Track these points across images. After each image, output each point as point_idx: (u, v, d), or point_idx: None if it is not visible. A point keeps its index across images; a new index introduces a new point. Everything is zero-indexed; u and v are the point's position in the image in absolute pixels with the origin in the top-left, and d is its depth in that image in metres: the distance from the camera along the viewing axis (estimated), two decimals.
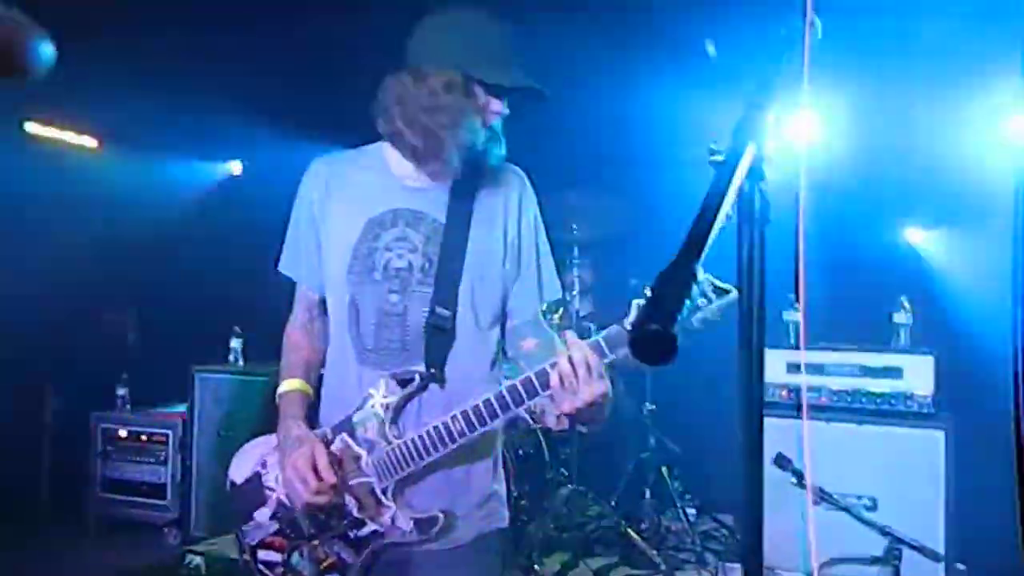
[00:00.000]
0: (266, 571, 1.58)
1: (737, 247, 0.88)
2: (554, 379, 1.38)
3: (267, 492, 1.57)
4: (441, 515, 1.50)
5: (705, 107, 4.11)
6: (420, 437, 1.47)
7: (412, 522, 1.49)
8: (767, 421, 3.40)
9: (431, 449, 1.46)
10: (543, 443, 3.62)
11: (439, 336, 1.53)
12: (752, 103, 0.75)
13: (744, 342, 0.82)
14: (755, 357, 0.83)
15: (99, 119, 4.89)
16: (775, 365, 3.59)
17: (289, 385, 1.63)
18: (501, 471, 1.66)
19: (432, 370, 1.53)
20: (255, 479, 1.59)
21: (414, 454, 1.47)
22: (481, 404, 1.44)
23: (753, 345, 0.83)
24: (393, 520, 1.49)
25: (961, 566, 3.30)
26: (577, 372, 1.36)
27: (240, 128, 4.80)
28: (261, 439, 1.62)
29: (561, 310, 3.91)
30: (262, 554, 1.58)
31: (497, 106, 1.54)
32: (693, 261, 0.66)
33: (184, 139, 5.10)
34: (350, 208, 1.59)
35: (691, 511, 3.92)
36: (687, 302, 1.37)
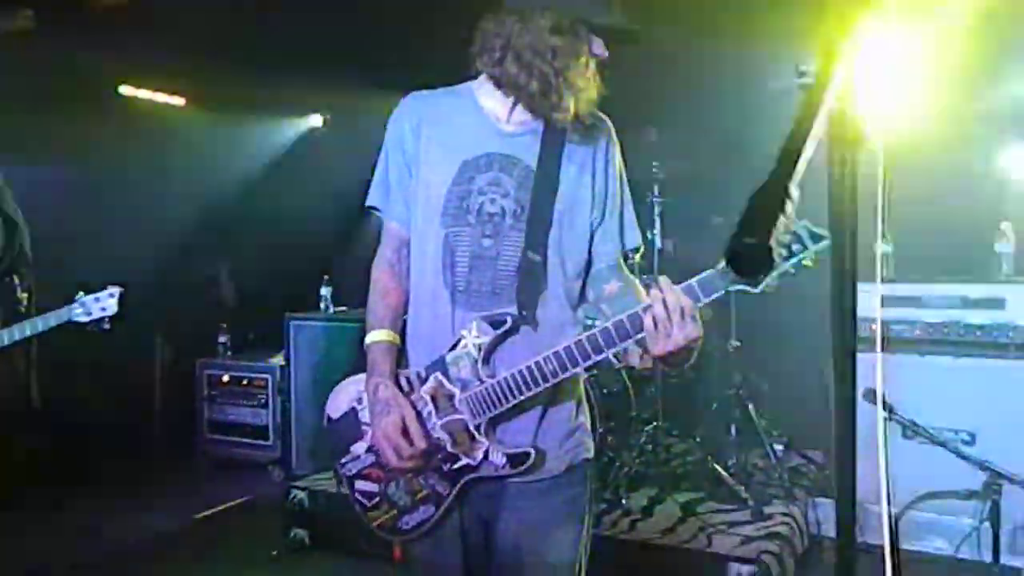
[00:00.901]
0: (363, 500, 1.65)
1: (828, 173, 0.87)
2: (647, 321, 1.40)
3: (363, 426, 1.63)
4: (532, 450, 1.54)
5: (791, 35, 3.96)
6: (513, 376, 1.50)
7: (505, 457, 1.54)
8: (860, 356, 3.32)
9: (524, 388, 1.50)
10: (627, 381, 3.65)
11: (529, 280, 1.56)
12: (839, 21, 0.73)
13: (836, 272, 0.81)
14: (848, 288, 0.82)
15: (186, 79, 5.06)
16: (865, 299, 3.49)
17: (377, 336, 1.63)
18: (585, 405, 1.70)
19: (524, 312, 1.56)
20: (351, 414, 1.65)
21: (507, 392, 1.51)
22: (573, 345, 1.47)
23: (845, 275, 0.81)
24: (486, 455, 1.54)
25: None
26: (671, 316, 1.38)
27: (320, 81, 4.89)
28: (356, 377, 1.67)
29: (642, 248, 3.89)
30: (359, 484, 1.65)
31: (599, 48, 1.54)
32: (787, 178, 0.65)
33: (266, 94, 5.23)
34: (445, 148, 1.61)
35: (778, 447, 3.90)
36: (785, 240, 1.38)
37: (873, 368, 3.30)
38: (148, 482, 4.60)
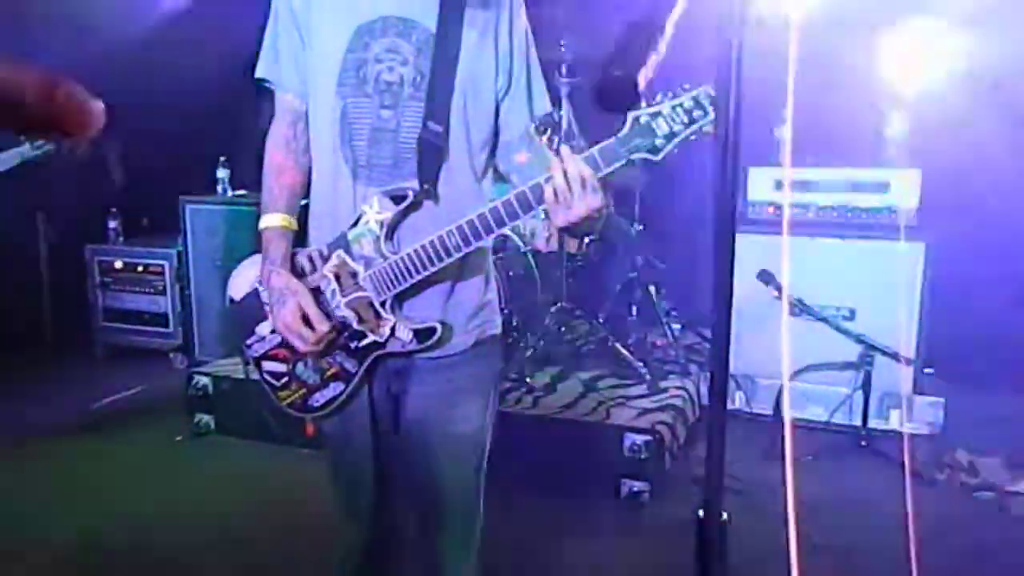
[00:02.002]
0: (272, 380, 1.64)
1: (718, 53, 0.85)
2: (548, 192, 1.39)
3: (267, 307, 1.60)
4: (439, 325, 1.54)
5: None
6: (416, 251, 1.48)
7: (411, 332, 1.54)
8: (753, 238, 3.47)
9: (428, 263, 1.48)
10: (533, 264, 3.69)
11: (431, 152, 1.52)
12: None
13: (721, 154, 0.81)
14: (729, 172, 0.82)
15: None
16: (763, 182, 3.61)
17: (270, 220, 1.58)
18: (493, 282, 1.70)
19: (425, 186, 1.52)
20: (253, 295, 1.61)
21: (411, 268, 1.50)
22: (476, 218, 1.45)
23: (728, 160, 0.81)
24: (393, 331, 1.53)
25: (929, 370, 3.50)
26: (571, 186, 1.37)
27: None
28: (256, 257, 1.61)
29: (549, 130, 3.85)
30: (267, 365, 1.63)
31: None
32: (664, 14, 0.64)
33: None
34: (337, 10, 1.52)
35: (676, 327, 4.08)
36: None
37: (767, 249, 3.48)
38: (43, 372, 4.44)
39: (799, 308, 3.39)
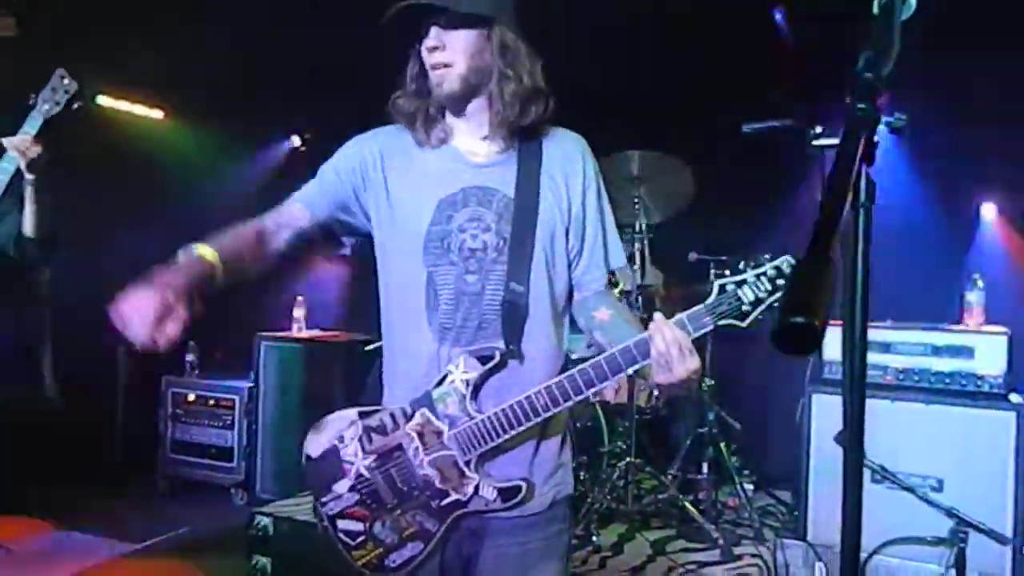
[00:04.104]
0: (347, 539, 1.61)
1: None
2: (653, 351, 1.42)
3: (346, 465, 1.61)
4: (523, 484, 1.53)
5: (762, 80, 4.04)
6: (504, 411, 1.50)
7: (496, 491, 1.53)
8: (829, 399, 3.35)
9: (515, 423, 1.49)
10: (601, 416, 3.64)
11: (515, 312, 1.55)
12: (864, 83, 0.74)
13: (848, 326, 0.81)
14: (858, 342, 0.82)
15: (166, 91, 5.00)
16: (839, 342, 3.53)
17: (196, 246, 1.54)
18: (569, 442, 1.69)
19: (510, 346, 1.55)
20: (332, 452, 1.62)
21: (498, 427, 1.50)
22: (565, 380, 1.47)
23: (856, 330, 0.81)
24: (476, 490, 1.53)
25: None
26: (671, 350, 1.40)
27: (300, 101, 4.86)
28: (337, 413, 1.64)
29: (621, 284, 3.90)
30: (342, 524, 1.61)
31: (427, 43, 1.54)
32: (829, 246, 0.66)
33: (247, 112, 5.19)
34: (417, 186, 1.60)
35: (748, 487, 3.91)
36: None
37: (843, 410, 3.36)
38: (106, 500, 4.47)
39: (881, 475, 3.23)
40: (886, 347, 3.42)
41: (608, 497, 3.55)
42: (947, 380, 3.32)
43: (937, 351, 3.34)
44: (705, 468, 3.83)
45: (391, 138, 1.64)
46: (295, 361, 4.45)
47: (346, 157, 1.67)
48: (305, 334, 4.64)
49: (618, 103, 4.23)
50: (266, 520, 3.53)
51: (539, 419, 1.49)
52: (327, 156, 1.71)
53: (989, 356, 3.26)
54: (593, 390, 1.47)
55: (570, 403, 1.48)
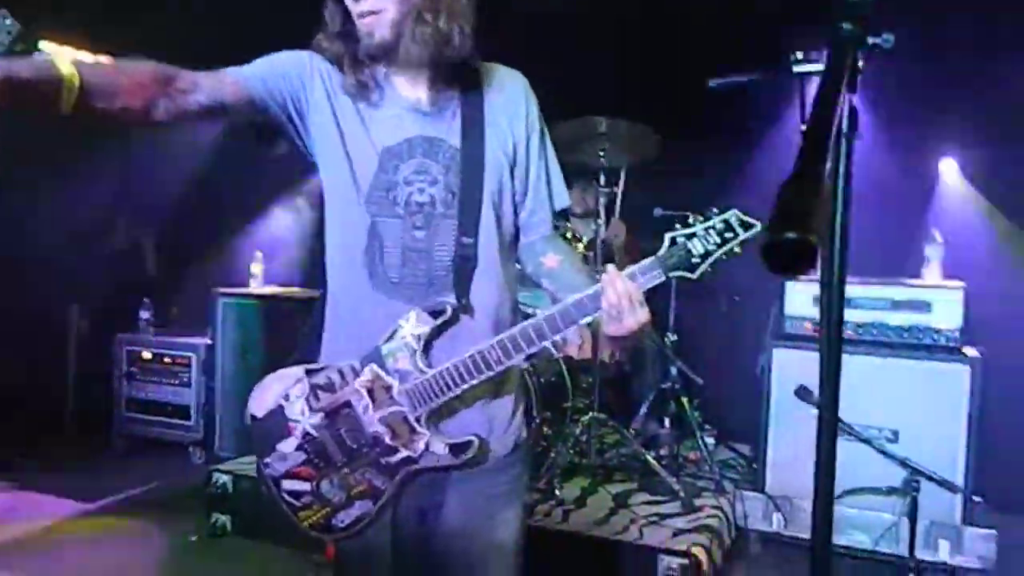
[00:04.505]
0: (293, 500, 1.58)
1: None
2: (604, 303, 1.43)
3: (291, 424, 1.56)
4: (475, 439, 1.51)
5: (740, 33, 3.99)
6: (455, 366, 1.47)
7: (446, 447, 1.51)
8: (790, 353, 3.38)
9: (467, 377, 1.47)
10: (565, 372, 3.63)
11: (465, 266, 1.52)
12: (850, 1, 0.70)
13: (826, 274, 0.78)
14: (836, 290, 0.79)
15: (112, 36, 4.78)
16: (801, 297, 3.56)
17: (54, 56, 1.29)
18: (522, 391, 1.69)
19: (462, 300, 1.52)
20: (277, 411, 1.57)
21: (450, 382, 1.48)
22: (517, 332, 1.45)
23: (834, 277, 0.78)
24: (427, 446, 1.51)
25: (978, 499, 3.33)
26: (621, 303, 1.41)
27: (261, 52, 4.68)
28: (281, 372, 1.59)
29: (585, 239, 3.87)
30: (287, 484, 1.57)
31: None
32: (820, 164, 0.61)
33: (199, 61, 4.98)
34: (361, 131, 1.53)
35: (710, 440, 3.96)
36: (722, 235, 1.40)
37: (804, 365, 3.39)
38: (60, 461, 4.37)
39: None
40: (847, 302, 3.44)
41: (571, 452, 3.55)
42: (904, 334, 3.36)
43: (896, 305, 3.38)
44: (667, 423, 3.86)
45: (337, 75, 1.54)
46: (254, 317, 4.36)
47: (297, 60, 1.54)
48: (264, 290, 4.54)
49: (585, 64, 4.14)
50: (225, 478, 3.48)
51: (492, 372, 1.47)
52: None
53: (946, 310, 3.31)
54: (545, 342, 1.45)
55: (522, 355, 1.46)
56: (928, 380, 3.26)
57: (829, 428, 0.80)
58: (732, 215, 1.44)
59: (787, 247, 0.58)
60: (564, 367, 3.62)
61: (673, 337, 3.90)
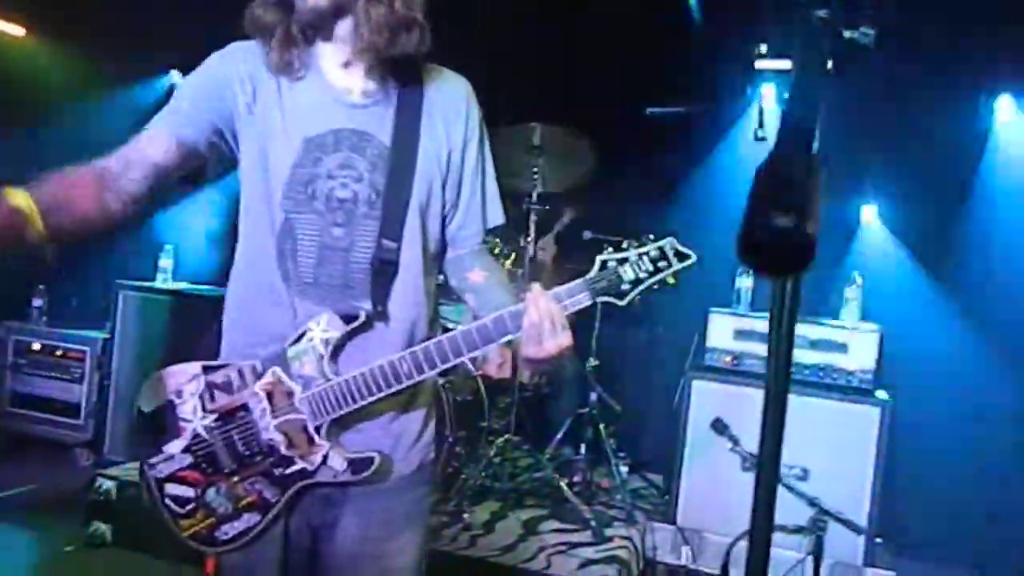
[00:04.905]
0: (175, 506, 1.45)
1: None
2: (525, 323, 1.35)
3: (182, 424, 1.44)
4: (377, 456, 1.41)
5: (681, 63, 4.02)
6: (363, 375, 1.37)
7: (345, 462, 1.40)
8: (709, 385, 3.35)
9: (375, 388, 1.37)
10: (482, 390, 3.53)
11: (385, 271, 1.43)
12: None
13: (775, 314, 0.70)
14: (785, 332, 0.71)
15: (28, 4, 4.48)
16: (723, 330, 3.57)
17: (5, 193, 1.30)
18: (434, 410, 1.59)
19: (379, 307, 1.42)
20: (167, 409, 1.45)
21: (355, 393, 1.38)
22: (432, 346, 1.37)
23: (784, 318, 0.71)
24: (325, 459, 1.40)
25: (880, 540, 3.37)
26: (543, 324, 1.34)
27: (184, 32, 4.45)
28: (176, 367, 1.47)
29: (513, 255, 3.79)
30: (171, 488, 1.45)
31: None
32: (808, 145, 0.52)
33: (122, 39, 4.71)
34: (283, 119, 1.42)
35: (623, 469, 3.91)
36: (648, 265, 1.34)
37: (722, 398, 3.39)
38: None
39: (751, 463, 3.28)
40: (765, 337, 3.46)
41: (483, 474, 3.45)
42: (820, 373, 3.40)
43: (813, 344, 3.42)
44: (583, 449, 3.79)
45: (259, 59, 1.43)
46: (158, 313, 4.11)
47: (210, 74, 1.46)
48: (171, 285, 4.29)
49: (524, 74, 4.10)
50: (109, 483, 3.24)
51: (401, 386, 1.38)
52: None
53: (861, 352, 3.36)
54: (460, 359, 1.37)
55: (435, 371, 1.38)
56: (840, 420, 3.29)
57: (768, 475, 0.72)
58: (668, 243, 1.39)
59: (778, 238, 0.47)
60: (482, 386, 3.52)
61: (595, 362, 3.85)
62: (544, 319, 1.33)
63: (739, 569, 3.30)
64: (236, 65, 1.44)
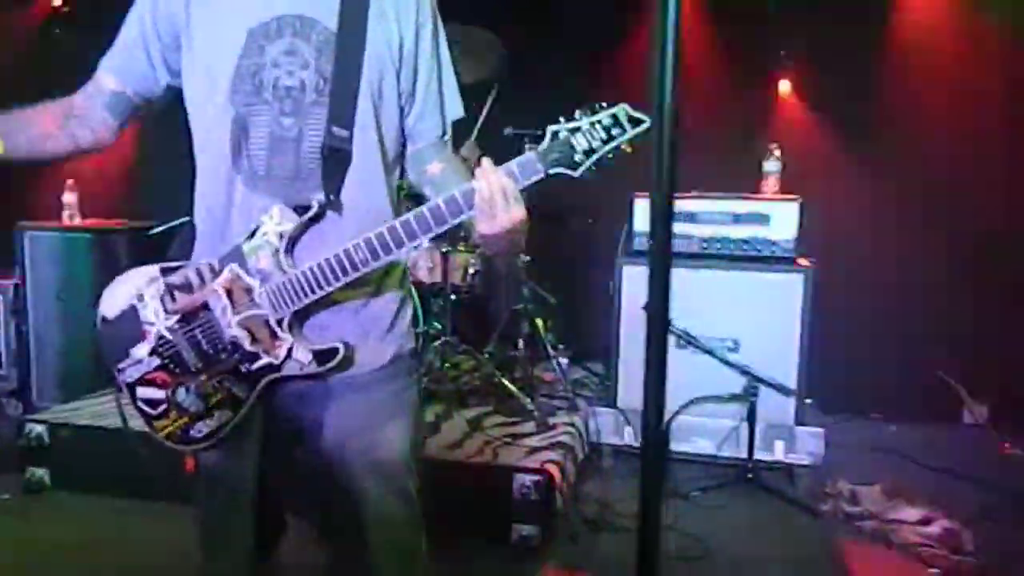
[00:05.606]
0: (147, 409, 1.47)
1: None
2: (478, 197, 1.32)
3: (145, 327, 1.44)
4: (341, 346, 1.41)
5: None
6: (319, 265, 1.36)
7: (310, 354, 1.41)
8: (639, 269, 3.40)
9: (331, 278, 1.36)
10: (416, 296, 3.49)
11: (336, 160, 1.41)
12: None
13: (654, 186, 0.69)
14: (662, 202, 0.70)
15: None
16: (648, 213, 3.58)
17: None
18: (410, 299, 1.59)
19: (331, 196, 1.41)
20: (130, 312, 1.45)
21: (313, 283, 1.37)
22: (386, 231, 1.34)
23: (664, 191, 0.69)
24: (290, 352, 1.40)
25: (809, 401, 3.54)
26: (495, 197, 1.30)
27: None
28: (134, 270, 1.47)
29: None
30: (141, 391, 1.47)
31: None
32: None
33: None
34: (224, 12, 1.39)
35: (564, 361, 3.98)
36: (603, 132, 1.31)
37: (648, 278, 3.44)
38: None
39: (685, 340, 3.37)
40: (691, 216, 3.51)
41: (425, 379, 3.46)
42: (745, 246, 3.47)
43: (737, 219, 3.47)
44: (521, 344, 3.83)
45: None
46: (70, 252, 3.93)
47: (145, 11, 1.46)
48: (79, 222, 4.09)
49: None
50: (40, 428, 3.15)
51: (358, 273, 1.36)
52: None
53: (782, 222, 3.43)
54: (416, 242, 1.35)
55: (391, 256, 1.36)
56: (766, 291, 3.39)
57: (658, 334, 0.73)
58: (621, 109, 1.33)
59: None
60: (415, 291, 3.49)
61: (526, 258, 3.84)
62: (495, 193, 1.30)
63: (679, 442, 3.44)
64: None
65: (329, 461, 1.50)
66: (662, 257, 0.75)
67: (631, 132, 1.32)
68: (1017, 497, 3.11)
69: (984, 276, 3.92)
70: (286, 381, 1.45)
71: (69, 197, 4.12)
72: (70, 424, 3.13)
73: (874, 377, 4.09)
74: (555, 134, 1.33)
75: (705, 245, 3.50)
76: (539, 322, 3.83)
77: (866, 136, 4.06)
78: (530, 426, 3.28)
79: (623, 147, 1.33)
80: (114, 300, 1.47)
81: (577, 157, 1.32)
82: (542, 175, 1.33)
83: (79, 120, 1.50)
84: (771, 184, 3.57)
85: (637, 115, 1.32)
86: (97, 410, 3.26)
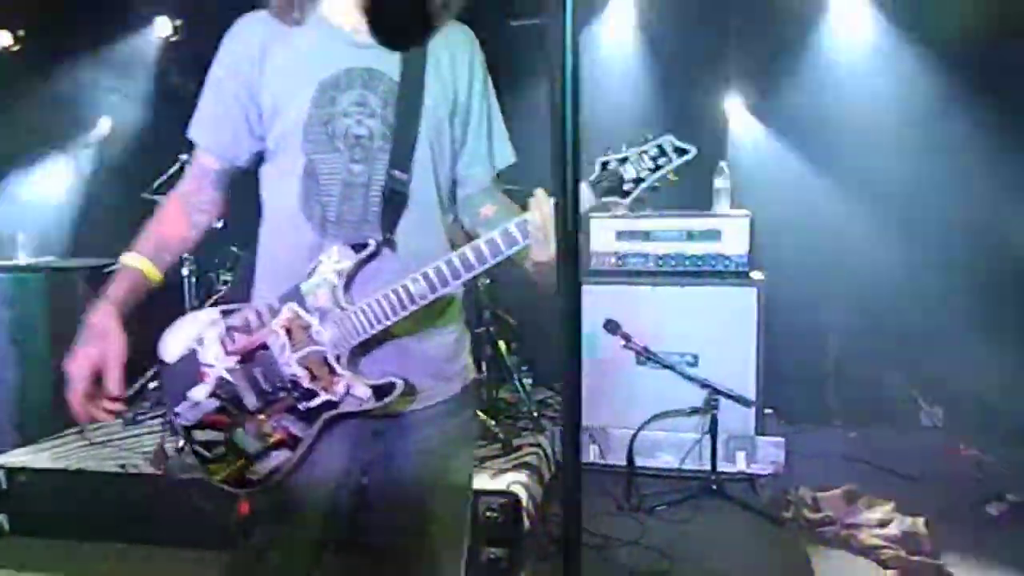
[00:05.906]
0: (204, 452, 1.48)
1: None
2: (532, 227, 1.37)
3: (204, 369, 1.45)
4: (399, 381, 1.42)
5: None
6: (377, 301, 1.38)
7: (368, 389, 1.41)
8: (597, 288, 3.47)
9: (390, 313, 1.38)
10: None
11: (395, 201, 1.46)
12: None
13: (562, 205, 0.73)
14: (571, 218, 0.74)
15: None
16: (605, 233, 3.65)
17: (127, 258, 1.48)
18: (466, 330, 1.62)
19: (388, 235, 1.45)
20: (189, 357, 1.46)
21: (371, 319, 1.38)
22: (443, 264, 1.38)
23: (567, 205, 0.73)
24: (348, 389, 1.41)
25: (769, 411, 3.61)
26: (547, 225, 1.35)
27: None
28: (193, 315, 1.49)
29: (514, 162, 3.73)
30: (199, 435, 1.47)
31: None
32: None
33: None
34: (296, 69, 1.45)
35: (528, 382, 4.00)
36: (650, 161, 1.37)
37: (611, 299, 3.50)
38: None
39: (645, 356, 3.42)
40: (647, 235, 3.58)
41: None
42: (699, 263, 3.54)
43: (691, 236, 3.55)
44: (484, 367, 3.85)
45: (266, 26, 1.47)
46: (25, 291, 3.87)
47: (228, 71, 1.50)
48: (32, 261, 4.04)
49: None
50: None
51: (415, 307, 1.39)
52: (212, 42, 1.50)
53: (734, 238, 3.52)
54: (472, 273, 1.39)
55: (447, 289, 1.39)
56: (721, 305, 3.47)
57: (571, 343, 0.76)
58: (666, 140, 1.39)
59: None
60: None
61: (487, 280, 3.87)
62: (548, 220, 1.34)
63: (643, 456, 3.48)
64: (242, 44, 1.48)
65: (400, 493, 1.51)
66: (572, 263, 0.79)
67: (676, 161, 1.39)
68: (973, 497, 3.19)
69: (936, 283, 4.03)
70: (341, 417, 1.45)
71: (21, 237, 4.08)
72: (27, 468, 3.08)
73: (833, 385, 4.18)
74: (604, 164, 1.40)
75: (661, 263, 3.57)
76: (501, 344, 3.86)
77: (819, 152, 4.17)
78: (495, 448, 3.30)
79: (669, 176, 1.39)
80: (174, 343, 1.49)
81: (626, 185, 1.39)
82: (595, 203, 1.40)
83: (196, 208, 1.55)
84: (721, 200, 3.66)
85: (682, 145, 1.39)
86: (55, 452, 3.20)
